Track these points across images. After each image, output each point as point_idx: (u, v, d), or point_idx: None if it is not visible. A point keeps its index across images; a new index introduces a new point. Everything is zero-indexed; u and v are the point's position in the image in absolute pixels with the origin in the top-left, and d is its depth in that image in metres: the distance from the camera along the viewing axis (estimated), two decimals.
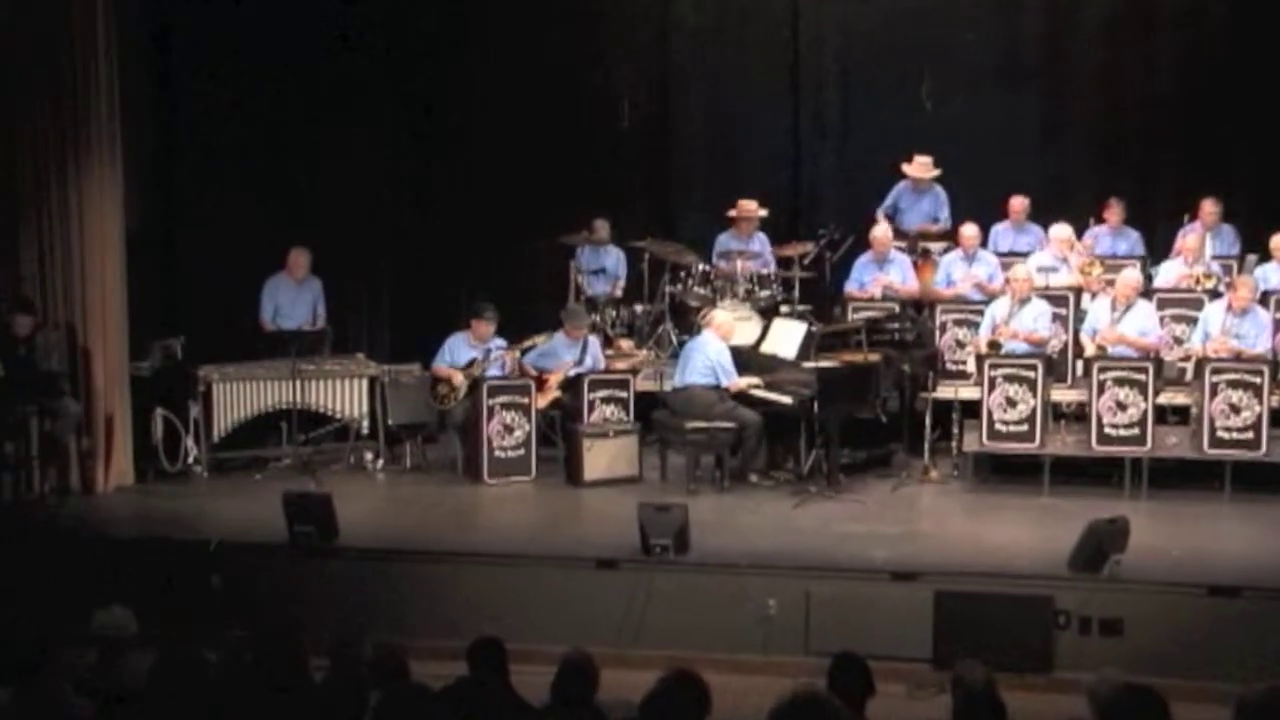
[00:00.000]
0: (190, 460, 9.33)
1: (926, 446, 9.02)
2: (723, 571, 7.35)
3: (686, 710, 4.00)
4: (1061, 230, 10.11)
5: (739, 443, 8.85)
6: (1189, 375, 9.12)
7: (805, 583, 7.17)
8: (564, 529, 8.31)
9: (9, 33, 8.65)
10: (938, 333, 9.66)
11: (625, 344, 10.56)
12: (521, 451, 9.07)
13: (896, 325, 9.49)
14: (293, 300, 10.02)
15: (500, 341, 9.39)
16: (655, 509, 7.57)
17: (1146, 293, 9.36)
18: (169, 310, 10.11)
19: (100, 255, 8.94)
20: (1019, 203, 10.66)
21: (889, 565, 7.33)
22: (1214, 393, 8.45)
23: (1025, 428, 8.64)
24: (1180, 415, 9.06)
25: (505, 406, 9.02)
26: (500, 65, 11.08)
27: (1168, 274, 9.92)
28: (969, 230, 10.27)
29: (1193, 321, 9.29)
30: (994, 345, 9.05)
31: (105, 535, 8.21)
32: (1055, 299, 9.46)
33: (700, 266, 10.60)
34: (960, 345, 9.59)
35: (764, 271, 10.56)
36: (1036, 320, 9.16)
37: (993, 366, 8.74)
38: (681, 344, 9.96)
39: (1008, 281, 9.47)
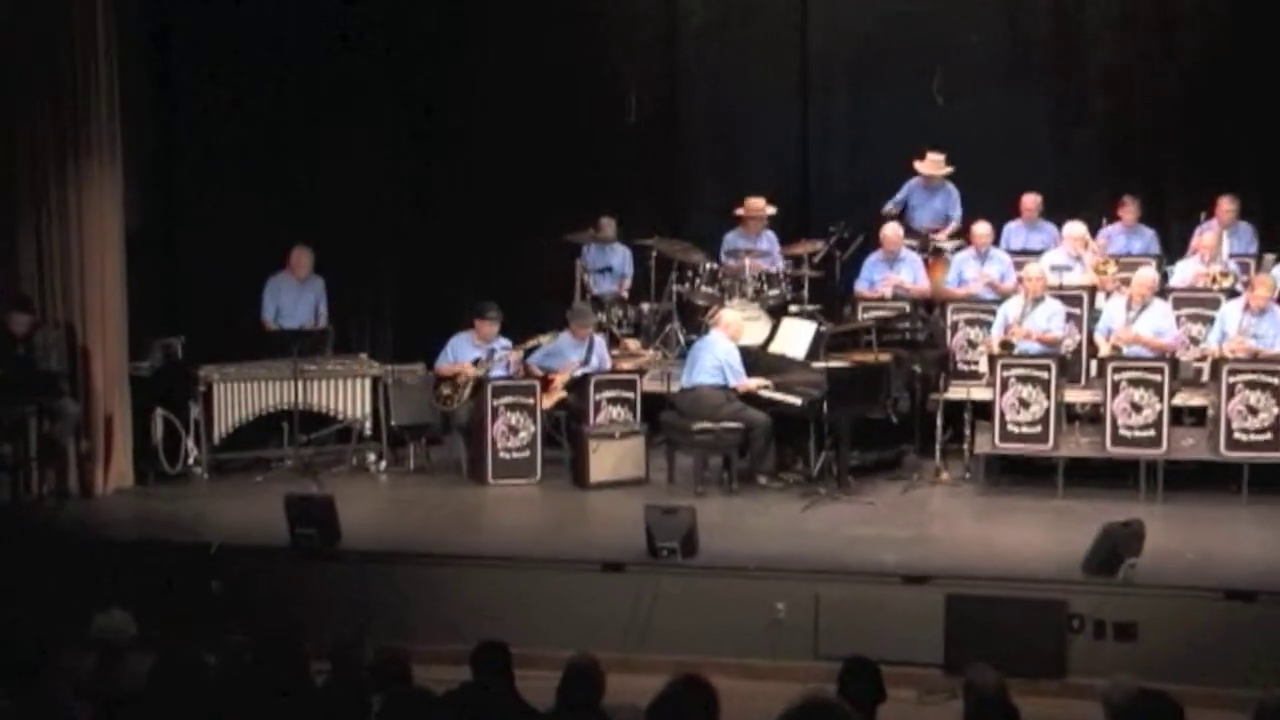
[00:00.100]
0: (190, 462, 9.34)
1: (938, 448, 9.01)
2: (731, 575, 7.35)
3: (694, 716, 4.00)
4: (1075, 228, 10.10)
5: (747, 444, 8.85)
6: (1205, 376, 9.11)
7: (815, 586, 7.17)
8: (569, 531, 8.31)
9: (9, 32, 8.69)
10: (949, 332, 9.65)
11: (632, 344, 10.56)
12: (526, 453, 9.07)
13: (907, 325, 9.48)
14: (295, 299, 10.03)
15: (505, 341, 9.40)
16: (662, 511, 7.57)
17: (1162, 292, 9.35)
18: (169, 310, 10.13)
19: (100, 254, 8.97)
20: (1031, 200, 10.65)
21: (900, 568, 7.32)
22: (1231, 394, 8.44)
23: (1038, 429, 8.63)
24: (1197, 416, 9.05)
25: (510, 407, 9.02)
26: (503, 63, 11.10)
27: (1184, 273, 9.90)
28: (981, 228, 10.25)
29: (1209, 321, 9.27)
30: (1007, 345, 9.04)
31: (104, 538, 8.21)
32: (1069, 298, 9.45)
33: (708, 265, 10.60)
34: (972, 345, 9.58)
35: (773, 270, 10.57)
36: (1050, 320, 9.15)
37: (1005, 367, 8.73)
38: (689, 344, 9.96)
39: (1020, 280, 9.46)
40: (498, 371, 9.28)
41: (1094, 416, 8.90)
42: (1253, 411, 8.42)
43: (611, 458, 9.00)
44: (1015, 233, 10.71)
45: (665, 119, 11.67)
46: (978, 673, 4.63)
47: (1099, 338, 9.24)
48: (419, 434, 9.65)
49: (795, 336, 9.20)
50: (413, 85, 11.05)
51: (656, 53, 11.68)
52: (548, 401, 9.24)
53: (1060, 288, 9.57)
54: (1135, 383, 8.55)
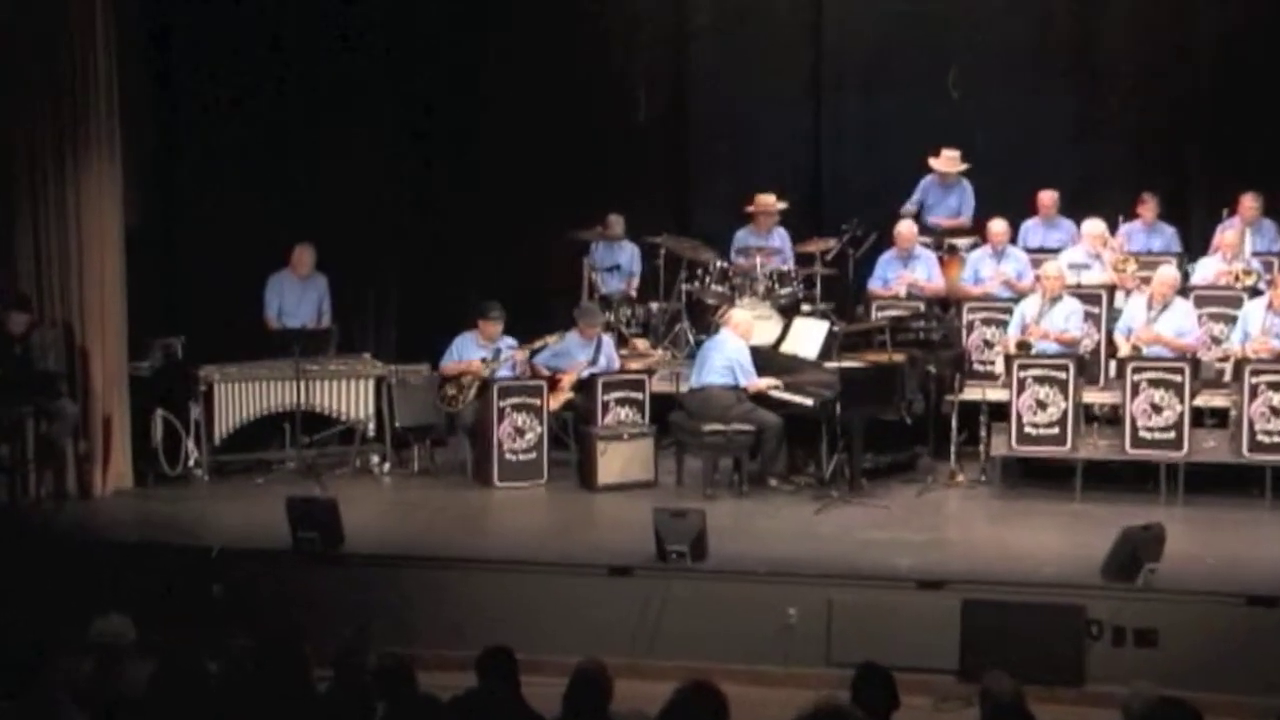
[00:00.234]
0: (191, 463, 9.35)
1: (953, 450, 9.00)
2: (741, 579, 7.35)
3: None
4: (1094, 226, 10.08)
5: (758, 446, 8.84)
6: (1228, 376, 9.08)
7: (827, 591, 7.17)
8: (577, 535, 8.31)
9: (8, 31, 8.74)
10: (965, 332, 9.64)
11: (640, 343, 10.56)
12: (533, 455, 9.08)
13: (922, 324, 9.47)
14: (298, 298, 10.05)
15: (510, 341, 9.41)
16: (671, 514, 7.57)
17: (1183, 290, 9.33)
18: (169, 309, 10.16)
19: (99, 253, 8.99)
20: (1048, 197, 10.64)
21: (914, 573, 7.31)
22: (1254, 395, 8.42)
23: (1056, 431, 8.62)
24: (1218, 418, 9.03)
25: (516, 408, 9.03)
26: (509, 60, 11.14)
27: (1205, 271, 9.88)
28: (998, 226, 10.24)
29: (1231, 320, 9.25)
30: (1023, 345, 9.03)
31: (103, 540, 8.22)
32: (1087, 297, 9.43)
33: (718, 263, 10.60)
34: (988, 345, 9.57)
35: (784, 268, 10.57)
36: (1068, 319, 9.14)
37: (1022, 367, 8.72)
38: (699, 343, 9.96)
39: (1038, 279, 9.46)
40: (504, 372, 9.29)
41: (1113, 418, 8.89)
42: (1276, 413, 8.40)
43: (620, 459, 9.00)
44: (1033, 230, 10.69)
45: (675, 115, 11.68)
46: (994, 680, 4.63)
47: (1119, 337, 9.23)
48: (423, 435, 9.66)
49: (807, 336, 9.21)
50: (413, 85, 11.10)
51: (667, 49, 11.69)
52: (555, 402, 9.24)
53: (1079, 286, 9.56)
54: (1155, 383, 8.54)
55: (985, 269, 10.22)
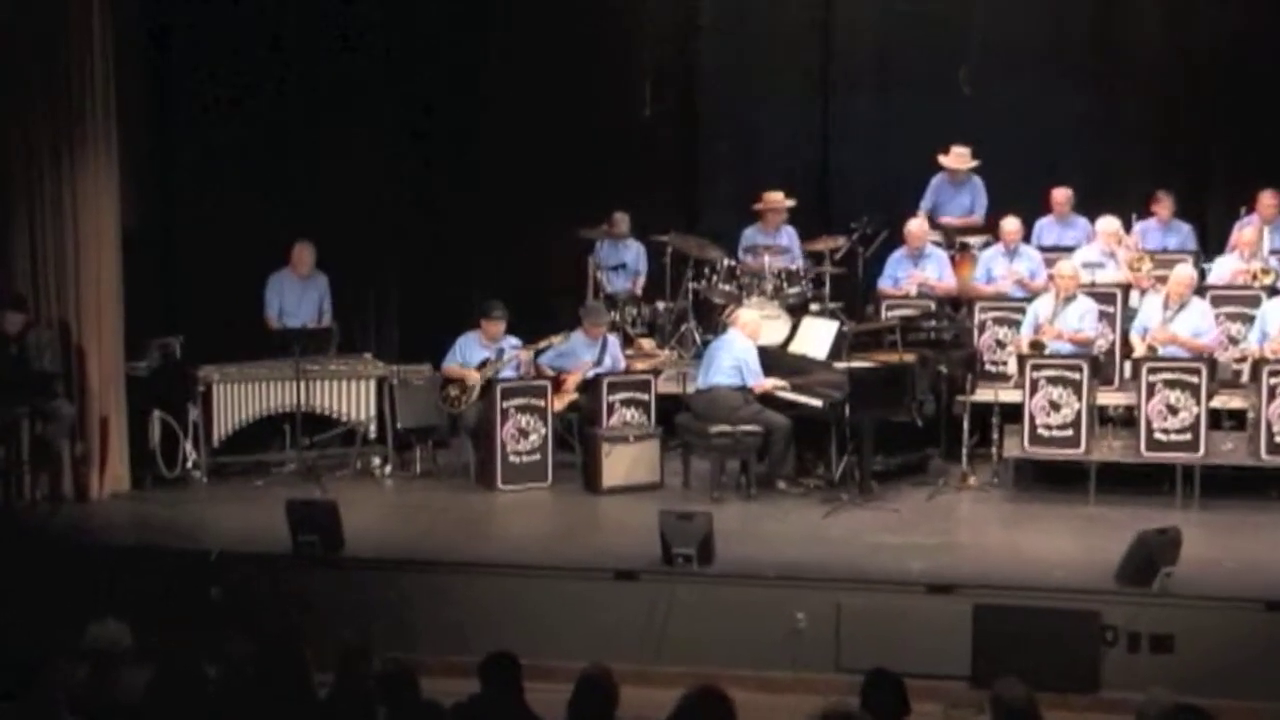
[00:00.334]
0: (189, 465, 9.36)
1: (964, 452, 9.00)
2: (749, 583, 7.34)
3: None
4: (1109, 224, 10.07)
5: (766, 447, 8.84)
6: (1245, 377, 9.07)
7: (836, 595, 7.17)
8: (581, 538, 8.31)
9: (6, 31, 8.77)
10: (976, 332, 9.63)
11: (646, 343, 10.57)
12: (537, 456, 9.08)
13: (933, 324, 9.47)
14: (299, 297, 10.07)
15: (514, 341, 9.41)
16: (677, 517, 7.57)
17: (1200, 289, 9.31)
18: (167, 309, 10.18)
19: (95, 252, 9.01)
20: (1062, 194, 10.63)
21: (925, 577, 7.31)
22: (1272, 396, 8.40)
23: (1070, 433, 8.61)
24: (1236, 420, 9.01)
25: (520, 409, 9.03)
26: (510, 59, 11.17)
27: (1222, 269, 9.87)
28: (1010, 224, 10.23)
29: (1249, 320, 9.23)
30: (1036, 345, 9.01)
31: (100, 543, 8.23)
32: (1102, 296, 9.42)
33: (725, 262, 10.60)
34: (1001, 345, 9.56)
35: (792, 267, 10.57)
36: (1082, 319, 9.12)
37: (1035, 368, 8.70)
38: (705, 343, 9.96)
39: (1051, 278, 9.44)
40: (508, 372, 9.29)
41: (1128, 419, 8.88)
42: None
43: (625, 461, 9.00)
44: (1046, 228, 10.68)
45: (683, 112, 11.69)
46: (1006, 686, 4.61)
47: (1134, 337, 9.21)
48: (425, 437, 9.67)
49: (816, 336, 9.20)
50: (413, 85, 11.14)
51: (674, 46, 11.69)
52: (559, 403, 9.25)
53: (1093, 285, 9.55)
54: (1171, 384, 8.52)
55: (998, 268, 10.21)
